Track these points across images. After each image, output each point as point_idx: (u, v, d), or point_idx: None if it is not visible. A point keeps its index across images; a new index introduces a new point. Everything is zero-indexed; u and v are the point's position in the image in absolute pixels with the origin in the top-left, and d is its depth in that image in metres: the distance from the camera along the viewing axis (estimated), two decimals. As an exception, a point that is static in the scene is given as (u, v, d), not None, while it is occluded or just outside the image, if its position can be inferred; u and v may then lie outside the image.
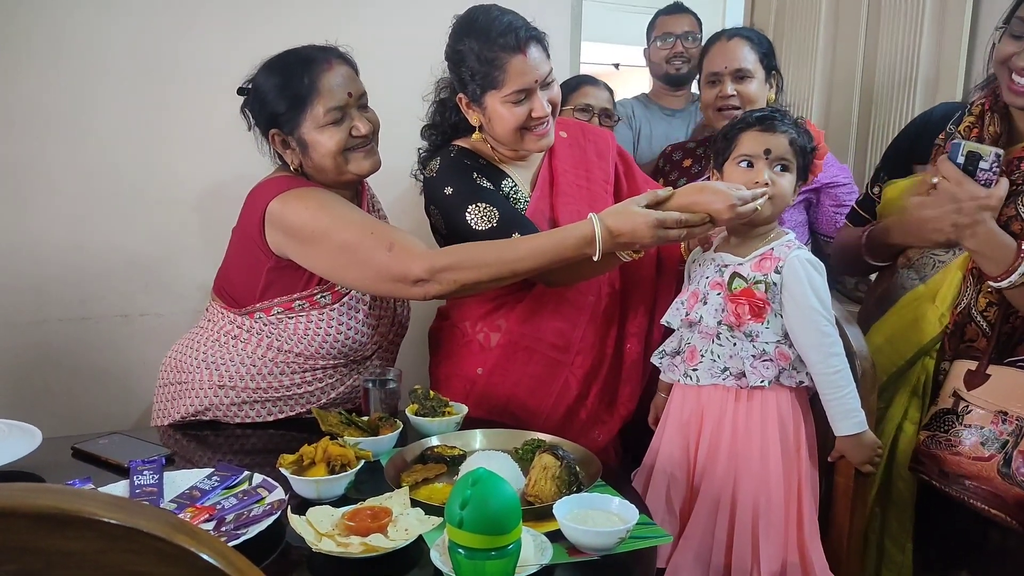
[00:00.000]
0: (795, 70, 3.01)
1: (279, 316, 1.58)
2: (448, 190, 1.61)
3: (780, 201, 1.44)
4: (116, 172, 2.00)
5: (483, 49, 1.52)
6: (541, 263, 1.45)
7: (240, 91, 1.58)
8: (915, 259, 1.59)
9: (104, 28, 1.94)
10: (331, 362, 1.62)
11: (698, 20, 2.66)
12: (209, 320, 1.66)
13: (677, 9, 2.68)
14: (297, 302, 1.57)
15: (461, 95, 1.61)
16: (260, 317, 1.59)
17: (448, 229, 1.63)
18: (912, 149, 1.63)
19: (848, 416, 1.40)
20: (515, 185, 1.68)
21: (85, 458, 1.40)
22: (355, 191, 1.67)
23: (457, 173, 1.62)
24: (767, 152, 1.44)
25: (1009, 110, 1.48)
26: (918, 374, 1.57)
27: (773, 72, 2.00)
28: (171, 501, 1.19)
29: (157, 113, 1.97)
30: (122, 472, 1.29)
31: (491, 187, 1.63)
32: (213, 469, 1.27)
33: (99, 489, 1.18)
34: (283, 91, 1.52)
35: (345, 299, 1.59)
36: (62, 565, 0.51)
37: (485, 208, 1.57)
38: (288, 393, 1.61)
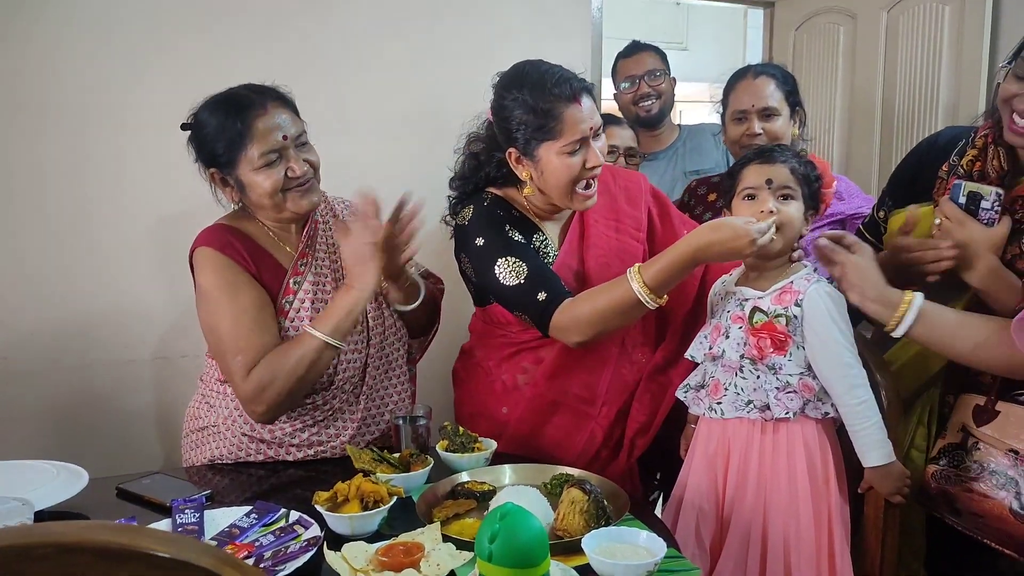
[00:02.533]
0: (815, 100, 3.04)
1: None
2: (479, 241, 1.62)
3: (789, 229, 1.46)
4: (156, 217, 2.08)
5: (537, 100, 1.53)
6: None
7: (183, 127, 1.61)
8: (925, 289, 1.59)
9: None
10: (321, 398, 1.62)
11: (660, 53, 2.63)
12: (207, 369, 1.70)
13: (635, 49, 2.64)
14: None
15: (511, 149, 1.60)
16: None
17: (477, 279, 1.66)
18: (916, 176, 1.64)
19: (876, 447, 1.40)
20: (546, 238, 1.69)
21: (129, 498, 1.44)
22: (300, 226, 1.67)
23: (490, 224, 1.62)
24: (769, 183, 1.46)
25: (1013, 147, 1.49)
26: (924, 403, 1.57)
27: (797, 108, 2.03)
28: (212, 539, 1.22)
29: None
30: (164, 511, 1.32)
31: (522, 240, 1.63)
32: (251, 507, 1.31)
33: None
34: (220, 133, 1.55)
35: (293, 316, 1.59)
36: (121, 597, 0.55)
37: (515, 263, 1.57)
38: (295, 440, 1.61)
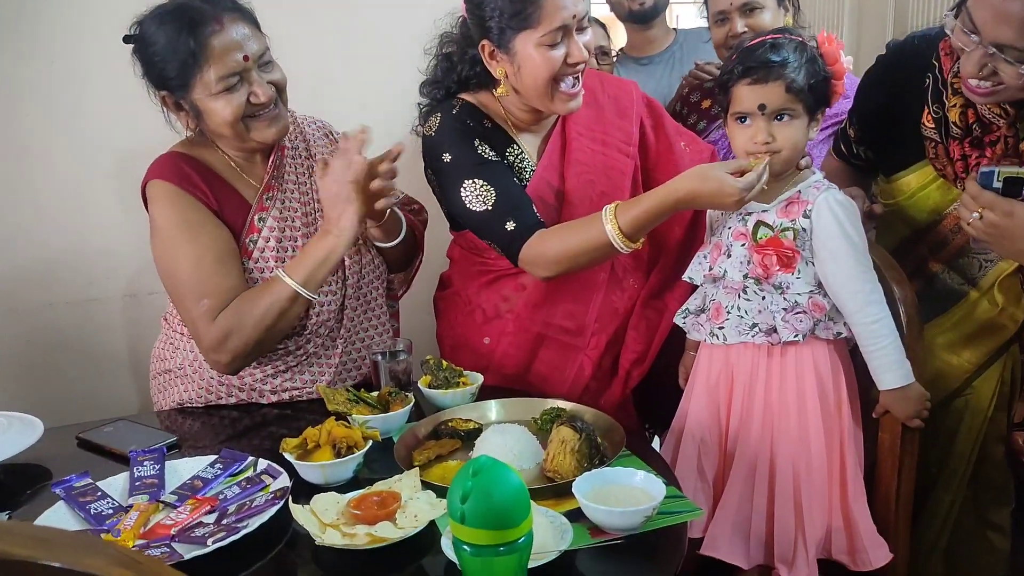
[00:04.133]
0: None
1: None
2: (446, 157, 1.49)
3: (789, 153, 1.33)
4: (116, 150, 1.92)
5: None
6: None
7: (126, 39, 1.41)
8: (954, 261, 1.46)
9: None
10: (287, 342, 1.49)
11: None
12: (170, 308, 1.57)
13: None
14: None
15: (484, 42, 1.45)
16: None
17: (444, 199, 1.54)
18: (887, 107, 1.47)
19: (892, 368, 1.30)
20: (522, 152, 1.55)
21: (89, 447, 1.36)
22: (266, 154, 1.52)
23: (458, 138, 1.49)
24: (762, 108, 1.31)
25: None
26: (1004, 362, 1.47)
27: None
28: (172, 493, 1.13)
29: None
30: (124, 461, 1.23)
31: (495, 157, 1.50)
32: (216, 456, 1.21)
33: (98, 483, 1.14)
34: (170, 52, 1.36)
35: (257, 256, 1.47)
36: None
37: (482, 186, 1.45)
38: (267, 387, 1.51)
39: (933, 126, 1.40)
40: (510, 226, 1.44)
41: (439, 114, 1.52)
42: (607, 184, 1.52)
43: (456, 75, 1.55)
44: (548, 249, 1.42)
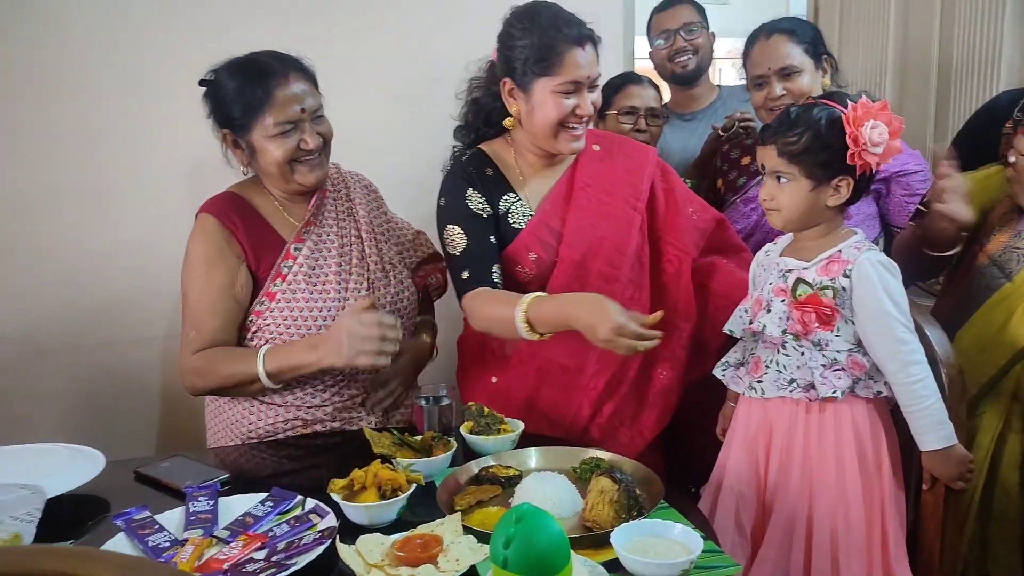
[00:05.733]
0: (865, 52, 2.86)
1: (262, 321, 1.59)
2: (442, 200, 1.66)
3: (787, 213, 1.39)
4: (177, 193, 2.03)
5: (544, 35, 1.53)
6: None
7: (201, 82, 1.60)
8: (996, 255, 1.46)
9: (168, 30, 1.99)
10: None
11: (697, 6, 2.48)
12: None
13: (671, 3, 2.50)
14: (262, 300, 1.60)
15: (506, 79, 1.59)
16: (251, 321, 1.60)
17: (439, 234, 1.68)
18: (979, 143, 1.51)
19: (933, 429, 1.30)
20: (518, 199, 1.66)
21: (146, 482, 1.41)
22: (308, 197, 1.66)
23: (454, 185, 1.65)
24: (762, 167, 1.39)
25: None
26: (1016, 379, 1.44)
27: (824, 58, 1.89)
28: (225, 528, 1.18)
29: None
30: (180, 496, 1.29)
31: (481, 210, 1.63)
32: (267, 494, 1.26)
33: (155, 517, 1.19)
34: (238, 97, 1.55)
35: (291, 279, 1.60)
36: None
37: (459, 234, 1.61)
38: (303, 404, 1.62)
39: (1010, 126, 1.46)
40: (465, 275, 1.59)
41: (451, 162, 1.69)
42: (610, 230, 1.61)
43: (483, 113, 1.70)
44: (476, 308, 1.56)
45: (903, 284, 1.35)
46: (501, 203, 1.65)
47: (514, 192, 1.67)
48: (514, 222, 1.64)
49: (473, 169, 1.65)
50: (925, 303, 1.76)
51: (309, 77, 1.61)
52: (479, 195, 1.63)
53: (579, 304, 1.39)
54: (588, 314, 1.35)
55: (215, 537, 1.15)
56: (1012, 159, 1.33)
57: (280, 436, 1.61)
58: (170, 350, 2.07)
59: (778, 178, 1.37)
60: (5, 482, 1.22)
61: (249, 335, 1.60)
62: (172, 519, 1.20)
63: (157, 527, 1.16)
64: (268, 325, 1.59)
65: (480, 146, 1.70)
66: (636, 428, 1.64)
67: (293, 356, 1.53)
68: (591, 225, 1.63)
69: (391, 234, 1.79)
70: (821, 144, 1.34)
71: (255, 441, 1.62)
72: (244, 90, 1.54)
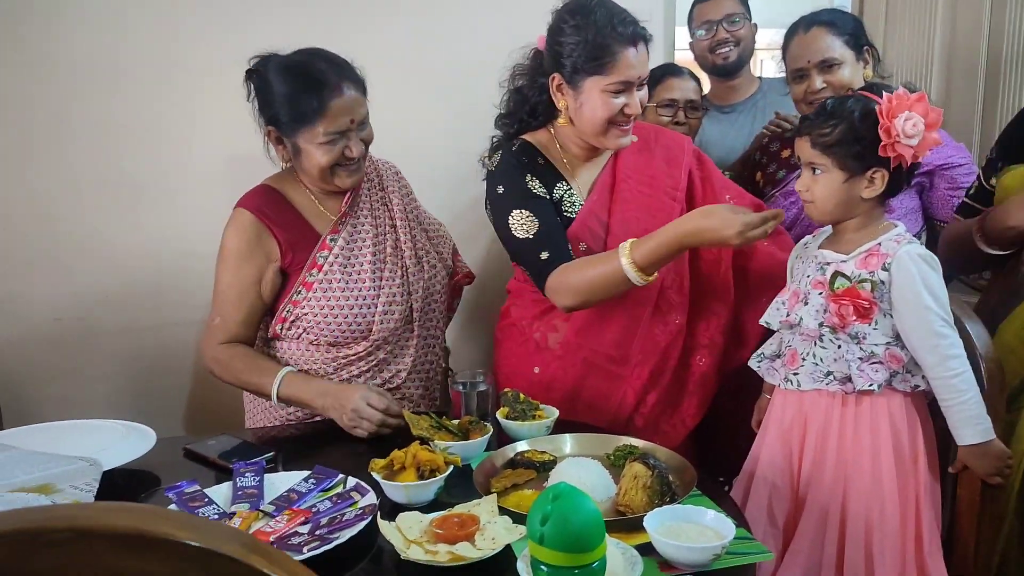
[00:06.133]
0: (911, 43, 2.80)
1: (299, 310, 1.64)
2: (500, 188, 1.65)
3: (822, 204, 1.39)
4: (219, 184, 2.07)
5: (598, 32, 1.53)
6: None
7: (248, 73, 1.62)
8: None
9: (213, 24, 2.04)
10: (359, 348, 1.66)
11: None
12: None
13: None
14: (299, 289, 1.64)
15: (556, 75, 1.59)
16: (288, 311, 1.65)
17: (496, 226, 1.68)
18: None
19: (971, 423, 1.29)
20: (570, 188, 1.67)
21: (195, 458, 1.47)
22: (339, 197, 1.71)
23: (512, 171, 1.64)
24: (799, 159, 1.40)
25: None
26: None
27: (865, 49, 1.87)
28: (270, 503, 1.22)
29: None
30: (227, 473, 1.34)
31: (543, 193, 1.64)
32: (310, 472, 1.31)
33: (205, 490, 1.24)
34: (290, 102, 1.57)
35: (327, 269, 1.65)
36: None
37: (528, 216, 1.60)
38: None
39: None
40: (544, 255, 1.57)
41: (500, 152, 1.68)
42: (651, 222, 1.61)
43: (528, 105, 1.69)
44: (571, 278, 1.54)
45: (949, 277, 1.35)
46: (555, 190, 1.67)
47: (565, 181, 1.68)
48: (567, 211, 1.66)
49: (525, 158, 1.66)
50: (968, 299, 1.74)
51: (360, 87, 1.62)
52: (537, 181, 1.64)
53: (691, 220, 1.42)
54: (710, 225, 1.39)
55: (261, 511, 1.20)
56: None
57: (318, 418, 1.65)
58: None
59: (813, 170, 1.38)
60: (65, 454, 1.28)
61: (288, 324, 1.65)
62: (220, 493, 1.25)
63: (207, 500, 1.22)
64: (306, 314, 1.63)
65: (523, 136, 1.71)
66: (678, 416, 1.66)
67: (305, 392, 1.59)
68: (635, 217, 1.64)
69: (423, 222, 1.83)
70: (854, 135, 1.34)
71: (295, 423, 1.67)
72: (298, 97, 1.55)
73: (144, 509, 0.53)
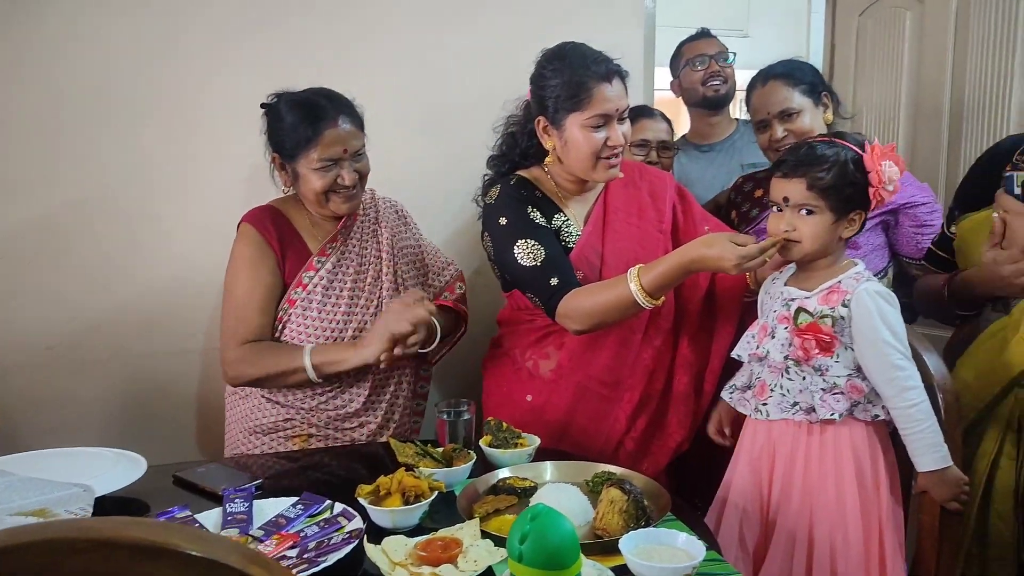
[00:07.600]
0: (879, 89, 2.93)
1: (283, 322, 1.74)
2: (503, 220, 1.71)
3: (809, 244, 1.44)
4: (218, 212, 2.08)
5: (573, 73, 1.63)
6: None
7: (263, 106, 1.77)
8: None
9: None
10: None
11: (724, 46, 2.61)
12: None
13: (705, 35, 2.63)
14: (284, 306, 1.75)
15: (540, 117, 1.69)
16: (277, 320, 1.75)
17: (497, 257, 1.74)
18: (983, 189, 1.58)
19: (929, 451, 1.36)
20: (568, 220, 1.75)
21: (184, 485, 1.50)
22: (339, 218, 1.80)
23: (514, 203, 1.71)
24: (785, 200, 1.45)
25: None
26: (1010, 407, 1.50)
27: (823, 95, 1.96)
28: (259, 528, 1.26)
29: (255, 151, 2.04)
30: (217, 499, 1.37)
31: (544, 223, 1.71)
32: (298, 498, 1.35)
33: (195, 516, 1.28)
34: (292, 131, 1.71)
35: (311, 289, 1.75)
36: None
37: (533, 245, 1.66)
38: (301, 407, 1.75)
39: (1009, 169, 1.51)
40: (554, 281, 1.63)
41: (499, 186, 1.76)
42: (641, 252, 1.70)
43: (519, 148, 1.79)
44: (583, 304, 1.60)
45: (920, 319, 1.42)
46: (554, 220, 1.74)
47: (562, 212, 1.76)
48: (564, 240, 1.74)
49: (524, 191, 1.74)
50: (942, 334, 1.83)
51: (357, 120, 1.76)
52: (538, 211, 1.72)
53: (694, 249, 1.50)
54: (711, 254, 1.47)
55: (250, 536, 1.24)
56: (995, 214, 1.41)
57: (281, 434, 1.75)
58: (207, 362, 2.17)
59: (804, 211, 1.43)
60: (59, 480, 1.32)
61: (278, 333, 1.76)
62: (210, 519, 1.29)
63: (197, 526, 1.25)
64: (287, 328, 1.74)
65: (520, 172, 1.79)
66: (665, 436, 1.74)
67: (336, 352, 1.70)
68: (627, 248, 1.73)
69: (414, 256, 1.91)
70: (847, 180, 1.42)
71: (263, 436, 1.77)
72: (298, 126, 1.70)
73: (157, 523, 0.59)
